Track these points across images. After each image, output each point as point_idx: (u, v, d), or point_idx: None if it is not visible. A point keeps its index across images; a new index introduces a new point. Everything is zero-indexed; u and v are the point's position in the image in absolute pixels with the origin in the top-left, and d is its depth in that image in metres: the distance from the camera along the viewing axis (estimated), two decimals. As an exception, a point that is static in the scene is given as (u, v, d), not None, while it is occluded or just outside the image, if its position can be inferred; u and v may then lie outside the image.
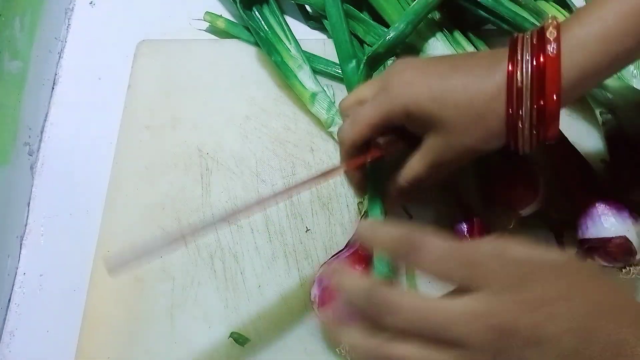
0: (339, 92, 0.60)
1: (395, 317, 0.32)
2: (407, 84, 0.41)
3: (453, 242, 0.33)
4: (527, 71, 0.37)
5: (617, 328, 0.30)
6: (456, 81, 0.40)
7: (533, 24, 0.54)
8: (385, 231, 0.35)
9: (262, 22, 0.60)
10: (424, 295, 0.33)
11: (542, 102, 0.37)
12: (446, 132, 0.41)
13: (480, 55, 0.45)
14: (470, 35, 0.58)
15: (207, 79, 0.62)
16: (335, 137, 0.56)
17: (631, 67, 0.55)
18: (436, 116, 0.40)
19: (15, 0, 0.59)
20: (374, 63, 0.55)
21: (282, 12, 0.62)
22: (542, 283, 0.31)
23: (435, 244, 0.33)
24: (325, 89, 0.58)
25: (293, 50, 0.59)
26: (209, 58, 0.63)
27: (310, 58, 0.61)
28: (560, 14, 0.56)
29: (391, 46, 0.54)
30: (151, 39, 0.65)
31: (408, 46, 0.56)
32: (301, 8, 0.65)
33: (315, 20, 0.64)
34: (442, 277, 0.33)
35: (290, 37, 0.60)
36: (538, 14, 0.56)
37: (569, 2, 0.57)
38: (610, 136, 0.52)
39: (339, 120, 0.56)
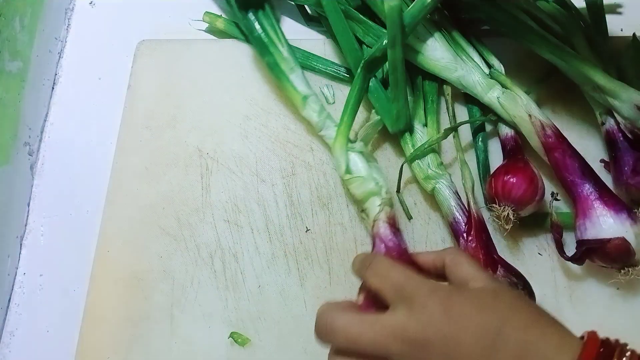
0: (339, 92, 0.60)
1: (333, 339, 0.38)
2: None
3: (394, 267, 0.39)
4: None
5: (521, 331, 0.33)
6: None
7: (530, 27, 0.54)
8: (357, 257, 0.43)
9: (256, 23, 0.60)
10: (358, 316, 0.37)
11: None
12: None
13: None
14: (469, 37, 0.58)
15: (207, 79, 0.62)
16: (327, 140, 0.56)
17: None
18: None
19: (15, 0, 0.59)
20: (372, 67, 0.54)
21: (277, 19, 0.62)
22: (455, 304, 0.35)
23: (379, 265, 0.39)
24: (325, 90, 0.58)
25: (285, 53, 0.59)
26: (209, 58, 0.63)
27: (309, 58, 0.61)
28: (559, 14, 0.56)
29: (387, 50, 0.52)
30: (151, 39, 0.65)
31: (406, 47, 0.56)
32: (301, 9, 0.65)
33: (315, 21, 0.64)
34: (377, 291, 0.38)
35: (283, 41, 0.59)
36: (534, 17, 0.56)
37: (568, 3, 0.57)
38: (610, 136, 0.53)
39: (330, 124, 0.55)
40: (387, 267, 0.39)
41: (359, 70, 0.53)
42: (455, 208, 0.51)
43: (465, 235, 0.49)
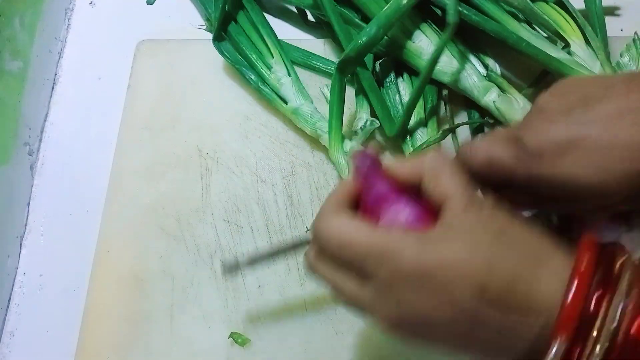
0: (339, 92, 0.60)
1: (324, 245, 0.35)
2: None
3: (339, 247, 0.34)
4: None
5: (511, 266, 0.30)
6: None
7: (520, 38, 0.54)
8: None
9: (236, 45, 0.61)
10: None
11: None
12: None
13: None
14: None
15: (207, 79, 0.62)
16: (324, 142, 0.55)
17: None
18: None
19: (15, 0, 0.59)
20: (346, 67, 0.53)
21: (264, 21, 0.62)
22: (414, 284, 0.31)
23: (317, 244, 0.36)
24: (325, 89, 0.58)
25: (275, 65, 0.59)
26: (209, 58, 0.63)
27: (310, 57, 0.61)
28: (559, 16, 0.56)
29: (363, 50, 0.52)
30: (151, 39, 0.65)
31: (393, 42, 0.56)
32: (300, 12, 0.65)
33: (314, 27, 0.65)
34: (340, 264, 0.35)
35: (273, 44, 0.59)
36: (529, 20, 0.56)
37: (567, 5, 0.57)
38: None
39: (324, 129, 0.55)
40: (329, 247, 0.34)
41: (334, 71, 0.53)
42: (455, 208, 0.51)
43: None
